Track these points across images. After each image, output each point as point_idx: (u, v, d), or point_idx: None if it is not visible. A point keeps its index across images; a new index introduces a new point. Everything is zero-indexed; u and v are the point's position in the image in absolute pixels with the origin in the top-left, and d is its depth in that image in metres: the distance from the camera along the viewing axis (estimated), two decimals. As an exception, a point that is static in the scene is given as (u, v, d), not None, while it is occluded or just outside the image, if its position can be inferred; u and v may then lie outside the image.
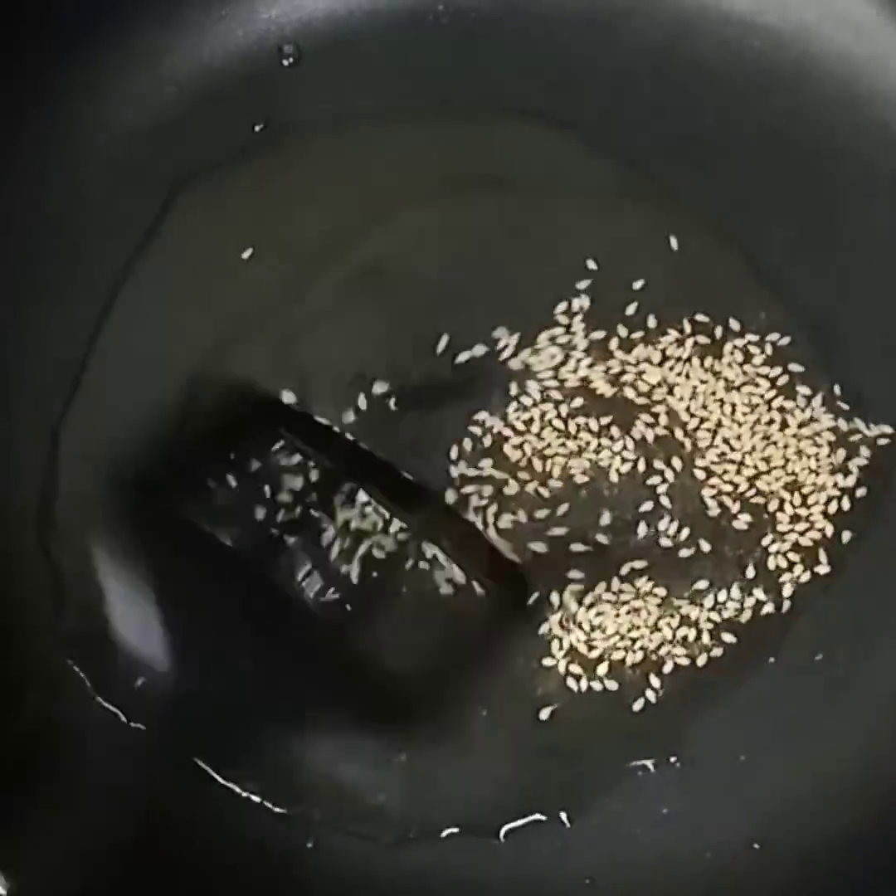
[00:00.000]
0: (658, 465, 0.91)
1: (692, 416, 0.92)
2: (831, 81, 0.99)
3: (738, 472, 0.91)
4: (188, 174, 0.99)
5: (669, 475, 0.91)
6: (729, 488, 0.91)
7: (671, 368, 0.93)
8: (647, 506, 0.91)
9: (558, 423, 0.92)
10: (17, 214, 0.98)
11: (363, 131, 1.00)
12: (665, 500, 0.90)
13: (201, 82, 1.02)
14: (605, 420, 0.92)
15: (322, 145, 1.00)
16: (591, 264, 0.96)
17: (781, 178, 0.97)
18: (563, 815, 0.88)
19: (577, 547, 0.90)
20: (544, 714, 0.89)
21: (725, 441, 0.92)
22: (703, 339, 0.94)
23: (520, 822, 0.88)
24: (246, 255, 0.97)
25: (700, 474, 0.91)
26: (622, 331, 0.94)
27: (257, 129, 1.01)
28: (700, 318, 0.94)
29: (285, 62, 1.02)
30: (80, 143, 1.00)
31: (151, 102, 1.01)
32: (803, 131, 0.98)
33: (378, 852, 0.88)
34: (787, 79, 1.00)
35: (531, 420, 0.92)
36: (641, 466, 0.91)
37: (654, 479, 0.91)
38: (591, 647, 0.90)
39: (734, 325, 0.94)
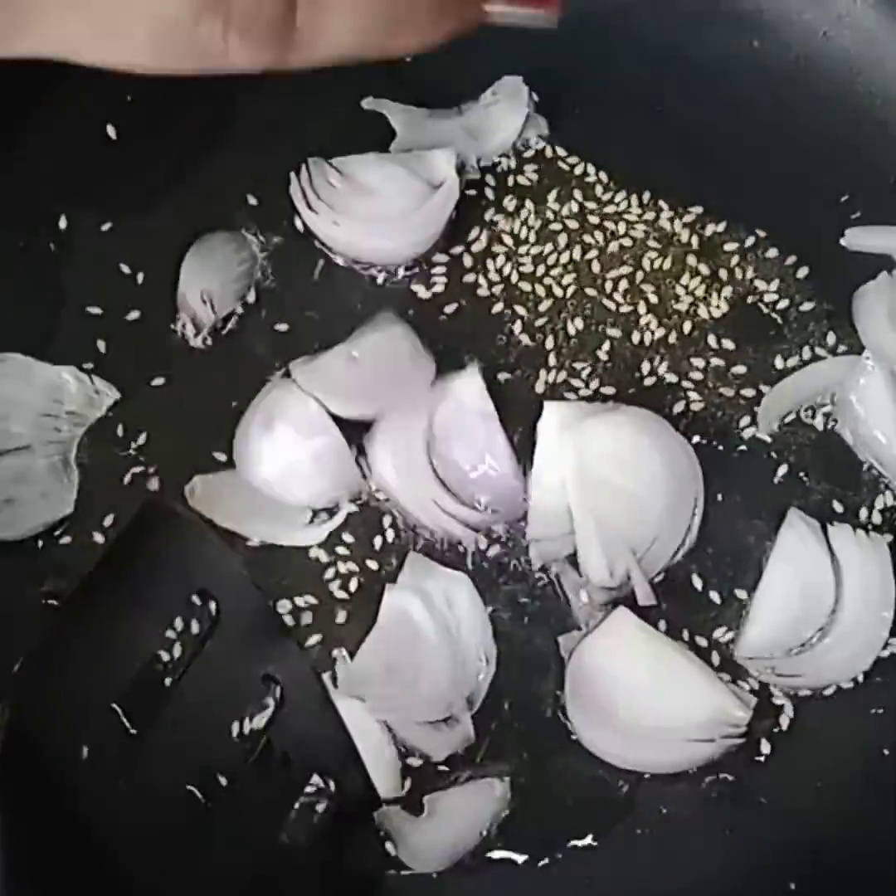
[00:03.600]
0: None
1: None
2: (830, 81, 1.00)
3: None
4: (186, 167, 0.99)
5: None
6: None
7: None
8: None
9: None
10: (14, 206, 0.97)
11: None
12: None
13: (200, 80, 1.00)
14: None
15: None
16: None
17: (780, 175, 0.98)
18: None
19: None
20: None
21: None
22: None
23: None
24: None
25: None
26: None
27: (255, 124, 1.00)
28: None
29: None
30: (79, 136, 0.99)
31: (151, 100, 1.00)
32: (802, 129, 0.99)
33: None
34: (787, 78, 1.00)
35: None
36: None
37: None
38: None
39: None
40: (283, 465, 0.90)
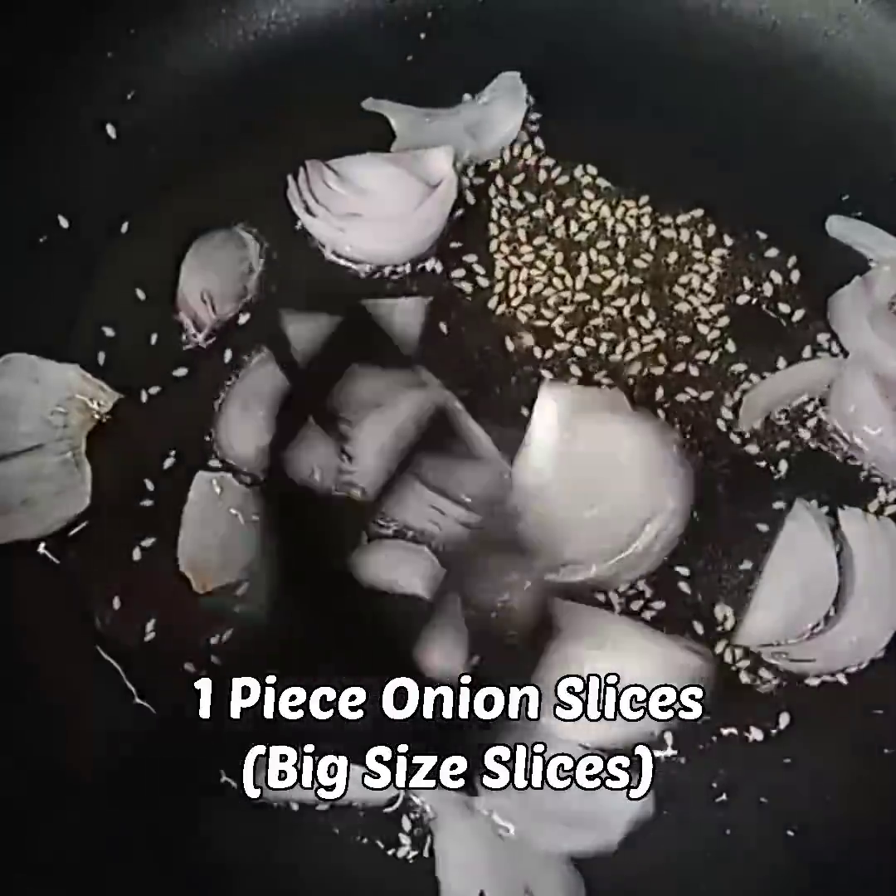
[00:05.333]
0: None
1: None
2: (831, 81, 1.00)
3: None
4: (186, 167, 0.99)
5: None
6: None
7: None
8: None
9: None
10: (15, 206, 0.97)
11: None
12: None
13: (200, 80, 1.02)
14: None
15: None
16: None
17: (780, 175, 0.98)
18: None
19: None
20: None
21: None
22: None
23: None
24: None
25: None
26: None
27: (256, 124, 1.01)
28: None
29: (283, 62, 1.03)
30: (79, 135, 1.00)
31: (151, 99, 1.01)
32: (803, 129, 0.99)
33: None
34: (787, 78, 1.00)
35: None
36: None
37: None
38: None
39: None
40: (260, 445, 0.90)
